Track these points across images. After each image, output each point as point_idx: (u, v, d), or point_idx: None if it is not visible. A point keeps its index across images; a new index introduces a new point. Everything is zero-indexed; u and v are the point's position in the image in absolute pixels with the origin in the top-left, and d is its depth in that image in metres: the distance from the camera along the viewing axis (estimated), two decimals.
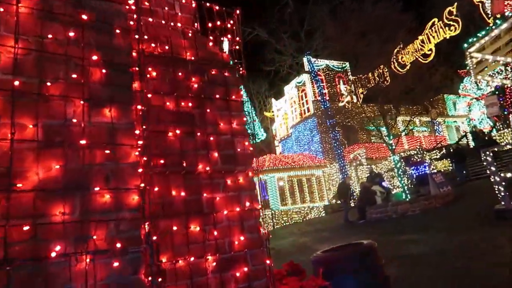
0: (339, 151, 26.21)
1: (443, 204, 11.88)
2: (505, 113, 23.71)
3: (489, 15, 12.74)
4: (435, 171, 20.00)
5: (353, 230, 12.09)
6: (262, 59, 36.82)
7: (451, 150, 21.46)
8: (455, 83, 30.53)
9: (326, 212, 24.80)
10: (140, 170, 2.03)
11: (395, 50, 19.99)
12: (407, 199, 13.17)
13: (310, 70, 28.87)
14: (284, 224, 23.92)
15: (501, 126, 23.81)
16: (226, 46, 2.89)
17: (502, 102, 23.96)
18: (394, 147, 14.32)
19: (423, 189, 16.65)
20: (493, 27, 6.47)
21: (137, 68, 2.22)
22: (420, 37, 18.29)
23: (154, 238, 2.01)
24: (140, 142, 2.05)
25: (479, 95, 28.92)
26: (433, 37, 17.61)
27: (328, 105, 27.54)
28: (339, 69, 31.15)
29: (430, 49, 17.64)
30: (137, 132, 2.07)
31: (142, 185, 1.94)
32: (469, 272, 4.82)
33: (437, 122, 31.96)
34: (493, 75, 7.96)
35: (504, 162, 15.27)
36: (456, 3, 16.10)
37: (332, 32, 24.34)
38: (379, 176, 15.00)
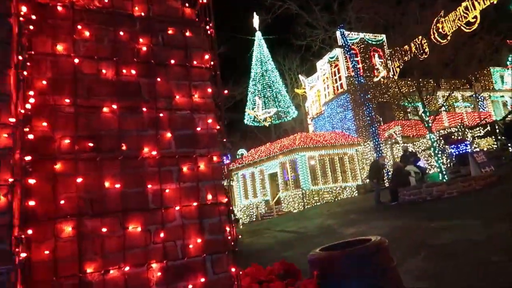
0: (373, 128, 25.10)
1: (484, 186, 10.84)
2: None
3: None
4: (477, 149, 18.61)
5: (383, 213, 11.37)
6: (293, 33, 35.61)
7: (502, 125, 19.84)
8: (503, 55, 28.18)
9: (359, 192, 24.00)
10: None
11: (435, 19, 18.41)
12: (444, 180, 12.19)
13: (344, 44, 27.52)
14: (315, 204, 23.40)
15: None
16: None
17: None
18: (430, 124, 13.24)
19: (464, 169, 15.51)
20: None
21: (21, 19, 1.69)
22: (463, 3, 16.69)
23: (23, 255, 1.48)
24: (13, 120, 1.53)
25: None
26: (478, 2, 15.98)
27: (362, 80, 26.29)
28: (375, 43, 29.48)
29: (475, 16, 16.08)
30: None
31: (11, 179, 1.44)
32: (506, 268, 4.11)
33: (482, 97, 29.75)
34: None
35: None
36: None
37: (365, 1, 22.90)
38: (414, 155, 13.99)
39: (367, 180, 24.33)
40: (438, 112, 17.31)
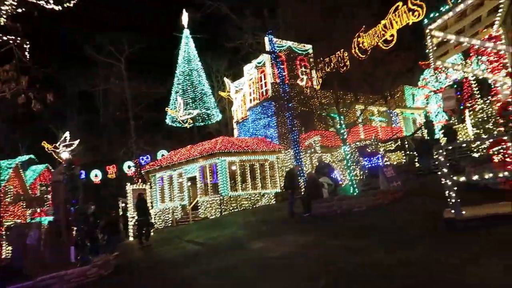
0: (294, 137, 25.12)
1: (392, 201, 11.03)
2: (461, 107, 23.48)
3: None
4: (388, 163, 19.42)
5: (294, 225, 11.04)
6: (222, 35, 34.88)
7: (411, 141, 20.96)
8: (415, 75, 30.12)
9: (277, 199, 23.84)
10: None
11: (357, 34, 18.91)
12: (355, 194, 12.24)
13: (271, 50, 27.40)
14: (233, 210, 22.81)
15: (455, 120, 23.52)
16: None
17: (459, 96, 23.71)
18: (345, 136, 13.33)
19: (375, 182, 15.92)
20: (459, 0, 5.28)
21: None
22: (383, 22, 17.25)
23: None
24: None
25: (437, 87, 28.68)
26: (396, 22, 16.62)
27: (287, 88, 26.31)
28: (301, 52, 29.91)
29: (392, 35, 16.67)
30: None
31: None
32: None
33: (395, 113, 31.65)
34: (453, 64, 7.00)
35: (455, 159, 14.77)
36: None
37: (294, 10, 22.97)
38: (328, 166, 14.00)
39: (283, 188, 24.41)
40: (355, 124, 17.70)
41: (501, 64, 7.24)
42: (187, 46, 31.81)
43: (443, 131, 20.34)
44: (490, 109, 14.14)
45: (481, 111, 14.81)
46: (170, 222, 25.06)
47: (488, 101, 14.73)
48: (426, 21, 5.68)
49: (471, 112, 16.05)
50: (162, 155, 33.53)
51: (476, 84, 20.39)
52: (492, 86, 17.72)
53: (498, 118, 12.36)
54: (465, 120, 20.44)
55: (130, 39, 38.26)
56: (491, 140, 8.16)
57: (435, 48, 6.52)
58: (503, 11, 6.27)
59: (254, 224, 13.73)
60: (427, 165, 17.23)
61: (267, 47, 27.58)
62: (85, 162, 39.12)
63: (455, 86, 23.69)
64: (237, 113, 33.79)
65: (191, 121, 30.48)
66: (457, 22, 6.12)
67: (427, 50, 6.68)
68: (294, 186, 13.30)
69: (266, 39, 27.56)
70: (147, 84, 37.34)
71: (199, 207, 24.21)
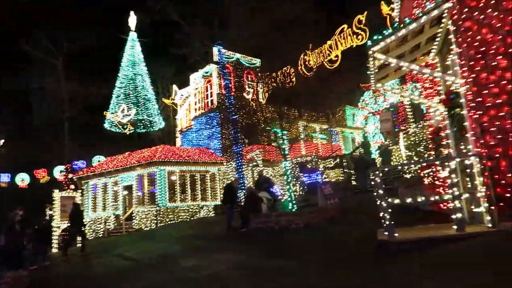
0: (237, 149, 24.99)
1: (329, 219, 11.09)
2: (396, 130, 24.74)
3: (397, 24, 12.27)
4: (326, 180, 19.82)
5: (230, 241, 10.70)
6: (171, 41, 34.17)
7: (349, 159, 21.55)
8: (356, 96, 31.40)
9: (216, 212, 23.34)
10: None
11: (303, 52, 19.35)
12: (293, 210, 12.21)
13: (219, 61, 27.21)
14: (170, 222, 21.95)
15: (391, 142, 24.70)
16: None
17: (395, 119, 24.99)
18: (286, 152, 13.35)
19: (313, 198, 16.08)
20: (401, 25, 5.37)
21: None
22: (328, 42, 17.79)
23: None
24: None
25: (376, 110, 30.05)
26: (341, 43, 17.22)
27: (232, 100, 26.20)
28: (249, 65, 30.01)
29: (337, 56, 17.21)
30: None
31: None
32: None
33: (335, 131, 32.66)
34: (392, 88, 7.22)
35: (389, 179, 15.37)
36: (366, 12, 15.77)
37: (244, 23, 23.01)
38: (268, 181, 13.89)
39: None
40: (297, 140, 17.88)
41: (435, 91, 7.55)
42: (133, 49, 30.66)
43: (379, 151, 21.23)
44: (422, 133, 14.94)
45: (413, 134, 15.61)
46: (102, 232, 23.61)
47: (420, 126, 15.60)
48: (369, 43, 5.72)
49: (405, 135, 16.87)
50: (98, 160, 31.73)
51: (410, 109, 21.61)
52: (425, 112, 18.86)
53: (429, 142, 13.05)
54: (399, 142, 21.52)
55: (70, 36, 36.19)
56: (424, 164, 8.46)
57: (376, 70, 6.62)
58: (440, 40, 6.55)
59: (190, 238, 13.18)
60: (363, 183, 17.84)
61: (215, 58, 27.36)
62: (9, 165, 36.04)
63: (392, 109, 24.97)
64: (181, 122, 32.99)
65: (132, 127, 29.22)
66: (398, 46, 6.26)
67: (368, 72, 6.76)
68: (233, 199, 12.99)
69: (215, 49, 27.36)
70: (86, 85, 35.37)
71: (134, 218, 23.04)
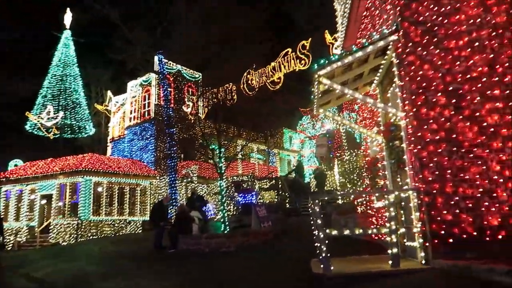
0: (172, 163, 23.97)
1: (262, 243, 10.75)
2: (331, 156, 25.44)
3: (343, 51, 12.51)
4: (261, 201, 19.63)
5: (156, 263, 9.88)
6: (110, 45, 32.52)
7: (284, 181, 21.61)
8: (295, 119, 32.01)
9: (144, 228, 22.06)
10: None
11: (247, 71, 19.27)
12: (226, 232, 11.71)
13: (160, 71, 26.28)
14: (92, 237, 20.30)
15: (325, 167, 25.28)
16: None
17: (330, 145, 25.70)
18: (222, 170, 12.92)
19: (247, 219, 15.72)
20: (348, 52, 5.28)
21: None
22: (272, 64, 17.87)
23: None
24: None
25: (312, 134, 30.77)
26: (284, 66, 17.37)
27: (171, 112, 25.28)
28: (191, 78, 29.41)
29: (279, 78, 17.31)
30: None
31: None
32: None
33: (273, 153, 32.93)
34: (333, 114, 7.17)
35: (322, 205, 15.50)
36: (310, 39, 16.09)
37: (189, 36, 22.53)
38: (202, 199, 13.29)
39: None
40: (234, 159, 17.52)
41: (374, 122, 7.63)
42: (66, 49, 28.66)
43: (314, 174, 21.60)
44: (356, 162, 15.36)
45: (347, 161, 16.01)
46: (11, 245, 21.21)
47: (354, 154, 16.09)
48: (316, 66, 5.56)
49: (340, 162, 17.26)
50: (15, 165, 28.79)
51: (345, 137, 22.34)
52: (359, 141, 19.52)
53: (363, 171, 13.37)
54: (333, 168, 22.09)
55: None
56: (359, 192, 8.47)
57: (320, 95, 6.50)
58: (383, 71, 6.62)
59: (112, 256, 12.09)
60: (297, 206, 17.99)
61: (156, 67, 26.43)
62: None
63: (328, 135, 25.73)
64: (113, 130, 31.25)
65: (57, 131, 26.99)
66: (343, 73, 6.20)
67: (312, 96, 6.62)
68: (162, 217, 12.17)
69: (156, 58, 26.43)
70: (9, 81, 32.34)
71: (50, 230, 21.00)
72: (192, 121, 25.18)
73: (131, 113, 28.86)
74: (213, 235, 10.79)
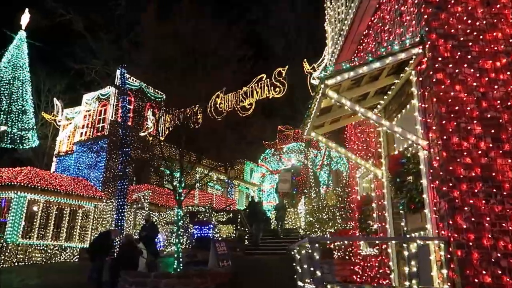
0: (122, 186, 21.73)
1: (218, 284, 9.16)
2: (294, 192, 24.34)
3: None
4: (218, 235, 17.94)
5: None
6: (69, 52, 30.32)
7: (243, 215, 20.23)
8: (259, 152, 30.89)
9: (81, 257, 19.42)
10: None
11: (216, 94, 18.06)
12: (179, 270, 9.99)
13: (121, 85, 24.45)
14: (17, 263, 17.51)
15: (286, 202, 24.02)
16: None
17: (294, 180, 24.66)
18: (182, 197, 11.36)
19: (201, 255, 14.05)
20: (363, 62, 4.20)
21: None
22: (244, 88, 16.80)
23: None
24: None
25: (274, 169, 29.69)
26: (257, 92, 16.33)
27: (128, 132, 23.32)
28: (154, 97, 27.79)
29: (251, 104, 16.20)
30: None
31: None
32: None
33: (232, 184, 31.40)
34: (327, 141, 6.05)
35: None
36: (287, 66, 15.26)
37: (156, 53, 21.15)
38: (154, 229, 11.48)
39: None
40: (194, 187, 15.92)
41: (370, 153, 6.55)
42: (18, 50, 26.18)
43: (275, 210, 20.38)
44: (325, 200, 14.29)
45: (316, 199, 14.91)
46: None
47: (322, 192, 15.11)
48: (323, 74, 4.42)
49: (306, 199, 16.13)
50: None
51: (312, 174, 21.39)
52: (325, 180, 18.51)
53: (335, 210, 12.28)
54: (297, 205, 20.95)
55: None
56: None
57: (317, 114, 5.34)
58: (392, 93, 5.60)
59: None
60: (256, 238, 16.89)
61: (117, 81, 24.62)
62: None
63: (292, 170, 24.77)
64: (61, 145, 28.56)
65: None
66: (349, 90, 5.10)
67: (306, 114, 5.45)
68: (105, 251, 10.23)
69: (118, 72, 24.66)
70: None
71: None
72: (151, 142, 23.38)
73: (83, 127, 26.54)
74: (163, 274, 9.06)
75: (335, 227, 11.85)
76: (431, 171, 4.36)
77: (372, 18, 6.72)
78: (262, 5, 35.98)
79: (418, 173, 4.75)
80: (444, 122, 4.24)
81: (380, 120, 4.66)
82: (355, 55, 7.73)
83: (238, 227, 19.94)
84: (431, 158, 4.37)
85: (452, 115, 4.27)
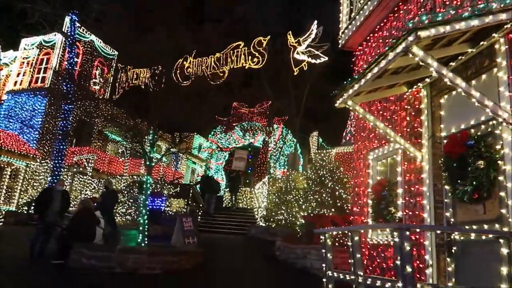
0: (61, 146, 19.32)
1: (195, 266, 8.10)
2: (249, 171, 23.56)
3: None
4: (168, 209, 16.69)
5: (30, 285, 6.49)
6: None
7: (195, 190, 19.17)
8: (211, 126, 29.46)
9: (6, 221, 17.02)
10: None
11: (184, 56, 16.42)
12: (143, 245, 8.71)
13: (70, 34, 21.64)
14: None
15: (241, 185, 23.05)
16: None
17: (250, 159, 23.86)
18: (153, 163, 10.01)
19: (153, 228, 12.85)
20: (458, 17, 3.37)
21: None
22: (217, 54, 15.42)
23: None
24: None
25: (225, 146, 28.64)
26: (232, 61, 15.05)
27: (72, 86, 20.75)
28: (105, 54, 25.17)
29: (223, 72, 14.90)
30: None
31: None
32: None
33: (180, 157, 29.82)
34: (365, 112, 5.18)
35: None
36: (269, 36, 14.14)
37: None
38: (114, 197, 9.97)
39: (26, 208, 17.97)
40: (169, 153, 14.44)
41: (399, 134, 5.82)
42: None
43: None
44: (294, 182, 13.64)
45: (284, 180, 14.16)
46: None
47: (294, 173, 14.48)
48: (416, 19, 3.52)
49: (271, 179, 15.34)
50: None
51: (276, 154, 20.65)
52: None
53: (308, 192, 11.62)
54: (254, 184, 20.19)
55: None
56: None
57: (373, 78, 4.45)
58: (456, 65, 4.85)
59: None
60: (209, 208, 16.67)
61: (66, 28, 21.75)
62: None
63: (250, 149, 23.93)
64: None
65: None
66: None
67: (360, 75, 4.56)
68: (50, 210, 8.49)
69: (68, 18, 21.76)
70: None
71: None
72: (99, 102, 21.11)
73: (18, 75, 23.33)
74: (130, 249, 7.74)
75: (308, 211, 11.23)
76: None
77: None
78: None
79: (491, 157, 4.09)
80: None
81: (470, 90, 3.87)
82: (384, 23, 6.93)
83: (190, 202, 18.79)
84: None
85: None
